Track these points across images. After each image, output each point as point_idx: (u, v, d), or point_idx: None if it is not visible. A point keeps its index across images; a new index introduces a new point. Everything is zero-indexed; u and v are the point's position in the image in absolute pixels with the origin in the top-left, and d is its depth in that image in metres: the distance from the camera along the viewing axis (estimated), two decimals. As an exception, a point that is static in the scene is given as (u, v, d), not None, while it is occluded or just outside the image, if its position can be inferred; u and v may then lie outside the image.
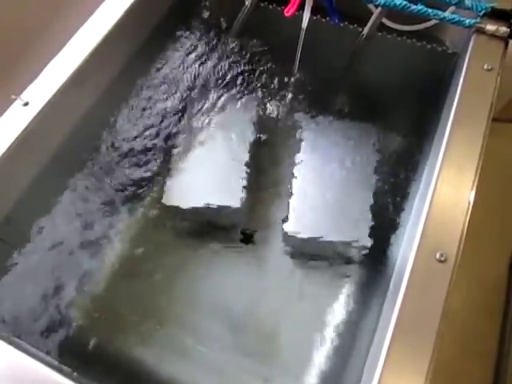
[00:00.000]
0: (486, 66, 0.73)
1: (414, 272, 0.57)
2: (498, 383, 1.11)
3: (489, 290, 1.21)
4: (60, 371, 0.54)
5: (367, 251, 0.78)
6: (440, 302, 0.55)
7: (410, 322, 0.54)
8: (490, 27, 0.76)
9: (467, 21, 0.77)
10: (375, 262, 0.78)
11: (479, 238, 0.80)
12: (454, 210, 0.61)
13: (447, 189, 0.63)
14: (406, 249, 0.63)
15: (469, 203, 0.61)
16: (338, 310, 0.78)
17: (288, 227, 0.79)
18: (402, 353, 0.53)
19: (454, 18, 0.76)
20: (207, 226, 0.85)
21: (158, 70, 0.98)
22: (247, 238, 0.85)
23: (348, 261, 0.80)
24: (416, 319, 0.54)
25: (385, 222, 0.80)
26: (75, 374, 0.59)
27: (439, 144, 0.68)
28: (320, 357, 0.74)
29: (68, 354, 0.72)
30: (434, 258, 0.57)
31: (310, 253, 0.82)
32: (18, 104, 0.74)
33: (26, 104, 0.74)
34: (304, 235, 0.78)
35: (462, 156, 0.65)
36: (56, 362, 0.60)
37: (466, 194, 0.62)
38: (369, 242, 0.77)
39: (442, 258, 0.57)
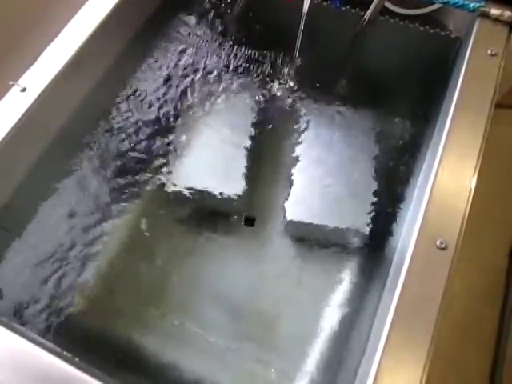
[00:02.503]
0: (489, 51, 0.72)
1: (413, 259, 0.57)
2: (496, 369, 1.12)
3: (488, 277, 1.21)
4: (61, 357, 0.54)
5: (367, 238, 0.78)
6: (440, 290, 0.55)
7: (409, 309, 0.54)
8: (495, 11, 0.75)
9: (471, 5, 0.75)
10: (375, 249, 0.78)
11: (480, 225, 0.79)
12: (454, 198, 0.61)
13: (448, 176, 0.63)
14: (406, 236, 0.63)
15: (470, 191, 0.61)
16: (338, 297, 0.77)
17: (289, 213, 0.79)
18: (401, 340, 0.53)
19: (457, 2, 0.75)
20: (208, 212, 0.85)
21: (157, 55, 0.97)
22: (249, 222, 0.84)
23: (348, 247, 0.80)
24: (415, 306, 0.54)
25: (385, 209, 0.80)
26: (76, 359, 0.59)
27: (441, 131, 0.67)
28: (320, 342, 0.74)
29: (69, 340, 0.72)
30: (435, 246, 0.57)
31: (310, 239, 0.82)
32: (15, 90, 0.74)
33: (24, 90, 0.74)
34: (305, 221, 0.78)
35: (464, 143, 0.65)
36: (58, 349, 0.60)
37: (468, 182, 0.62)
38: (369, 229, 0.77)
39: (443, 246, 0.57)
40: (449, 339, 1.09)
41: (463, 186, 0.61)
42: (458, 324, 1.13)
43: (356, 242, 0.80)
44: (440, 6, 0.88)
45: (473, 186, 0.61)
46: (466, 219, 0.59)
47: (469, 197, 0.60)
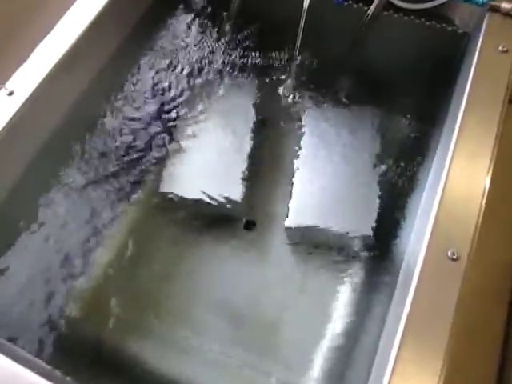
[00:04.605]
0: (500, 48, 0.69)
1: (424, 271, 0.54)
2: (503, 370, 1.09)
3: (496, 276, 1.19)
4: (51, 379, 0.51)
5: (372, 243, 0.76)
6: (452, 304, 0.52)
7: (420, 324, 0.51)
8: (506, 5, 0.72)
9: (480, -2, 0.72)
10: (380, 254, 0.76)
11: (488, 223, 0.76)
12: (466, 203, 0.58)
13: (459, 179, 0.60)
14: (415, 245, 0.60)
15: (483, 195, 0.58)
16: (342, 305, 0.76)
17: (289, 217, 0.77)
18: (412, 356, 0.50)
19: (466, -5, 0.72)
20: (207, 217, 0.83)
21: (152, 54, 0.94)
22: (249, 226, 0.83)
23: (352, 253, 0.78)
24: (427, 321, 0.51)
25: (391, 212, 0.78)
26: (68, 378, 0.56)
27: (450, 130, 0.65)
28: (323, 352, 0.72)
29: (61, 351, 0.70)
30: (446, 256, 0.54)
31: (312, 244, 0.80)
32: (2, 94, 0.71)
33: (11, 93, 0.71)
34: (306, 226, 0.77)
35: (476, 142, 0.62)
36: (47, 367, 0.57)
37: (480, 185, 0.59)
38: (373, 234, 0.75)
39: (454, 256, 0.54)
40: (453, 340, 1.07)
41: (475, 189, 0.58)
42: (464, 323, 1.10)
43: (360, 247, 0.78)
44: (445, 0, 0.84)
45: (486, 189, 0.58)
46: (479, 227, 0.55)
47: (482, 202, 0.57)
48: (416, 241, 0.61)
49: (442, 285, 0.53)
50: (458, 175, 0.60)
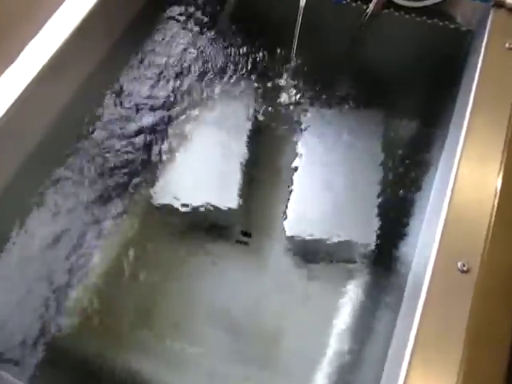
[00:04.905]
0: (507, 45, 0.67)
1: (432, 284, 0.50)
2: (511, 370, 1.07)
3: (503, 276, 1.17)
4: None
5: (375, 254, 0.74)
6: (464, 319, 0.48)
7: (430, 341, 0.48)
8: (511, 0, 0.70)
9: (485, -6, 0.70)
10: (384, 263, 0.73)
11: (496, 224, 0.74)
12: (476, 210, 0.54)
13: (468, 184, 0.56)
14: (422, 255, 0.57)
15: (493, 202, 0.54)
16: (344, 316, 0.73)
17: (288, 227, 0.76)
18: (424, 372, 0.47)
19: (470, -9, 0.70)
20: (202, 227, 0.81)
21: (144, 57, 0.92)
22: (245, 235, 0.81)
23: (354, 262, 0.76)
24: (437, 339, 0.48)
25: (395, 220, 0.75)
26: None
27: (457, 131, 0.62)
28: (326, 365, 0.70)
29: (53, 366, 0.69)
30: (456, 268, 0.51)
31: (312, 253, 0.78)
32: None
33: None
34: (305, 235, 0.75)
35: (484, 144, 0.59)
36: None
37: (490, 191, 0.56)
38: (377, 245, 0.73)
39: (465, 268, 0.51)
40: (467, 357, 1.05)
41: (486, 195, 0.55)
42: (471, 323, 1.09)
43: (362, 258, 0.75)
44: None
45: (497, 194, 0.55)
46: (490, 235, 0.52)
47: (493, 208, 0.54)
48: (423, 250, 0.58)
49: (453, 299, 0.50)
50: (466, 180, 0.56)
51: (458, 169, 0.57)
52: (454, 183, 0.56)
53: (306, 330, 0.73)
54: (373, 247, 0.74)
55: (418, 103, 0.89)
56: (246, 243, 0.80)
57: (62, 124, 0.78)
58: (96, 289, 0.75)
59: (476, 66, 0.66)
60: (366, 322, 0.71)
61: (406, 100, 0.89)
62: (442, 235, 0.53)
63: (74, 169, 0.81)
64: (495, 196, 0.55)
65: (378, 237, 0.73)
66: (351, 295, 0.74)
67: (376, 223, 0.74)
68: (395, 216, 0.76)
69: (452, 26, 0.83)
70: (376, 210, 0.75)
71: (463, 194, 0.56)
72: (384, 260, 0.73)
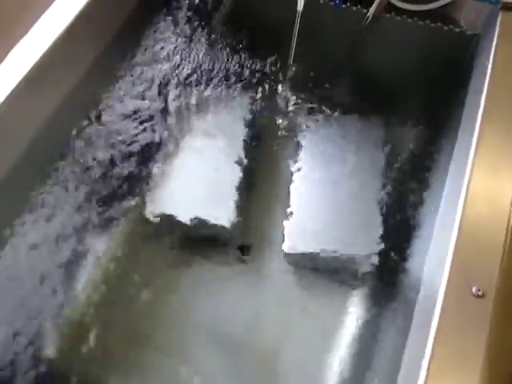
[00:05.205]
0: None
1: (445, 309, 0.47)
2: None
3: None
4: None
5: (379, 271, 0.71)
6: (480, 349, 0.45)
7: (445, 372, 0.44)
8: None
9: (493, -4, 0.70)
10: (388, 280, 0.71)
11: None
12: (490, 226, 0.51)
13: (481, 197, 0.53)
14: (432, 277, 0.54)
15: (510, 216, 0.51)
16: (346, 335, 0.71)
17: (287, 241, 0.74)
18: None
19: (477, -7, 0.69)
20: (198, 241, 0.79)
21: (135, 64, 0.90)
22: (244, 251, 0.80)
23: (356, 279, 0.74)
24: (452, 371, 0.44)
25: (400, 236, 0.73)
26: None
27: (467, 140, 0.59)
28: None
29: None
30: (470, 293, 0.47)
31: (312, 268, 0.76)
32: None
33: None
34: (305, 250, 0.73)
35: (497, 153, 0.56)
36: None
37: (506, 204, 0.52)
38: (381, 260, 0.70)
39: (480, 293, 0.47)
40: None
41: (501, 209, 0.52)
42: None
43: (364, 273, 0.73)
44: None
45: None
46: (505, 255, 0.48)
47: (508, 224, 0.51)
48: (432, 271, 0.55)
49: (468, 327, 0.46)
50: (479, 192, 0.53)
51: (469, 180, 0.54)
52: (466, 196, 0.53)
53: (304, 351, 0.71)
54: (376, 265, 0.71)
55: (422, 111, 0.87)
56: (243, 260, 0.78)
57: (50, 131, 0.77)
58: (86, 307, 0.73)
59: (485, 72, 0.64)
60: (370, 347, 0.68)
61: (410, 108, 0.87)
62: (453, 255, 0.50)
63: (61, 184, 0.79)
64: (511, 210, 0.52)
65: (382, 254, 0.70)
66: (352, 318, 0.72)
67: (380, 239, 0.72)
68: (400, 231, 0.73)
69: (457, 30, 0.81)
70: (379, 225, 0.73)
71: (476, 208, 0.53)
72: (389, 280, 0.71)
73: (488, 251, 0.49)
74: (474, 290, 0.47)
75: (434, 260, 0.56)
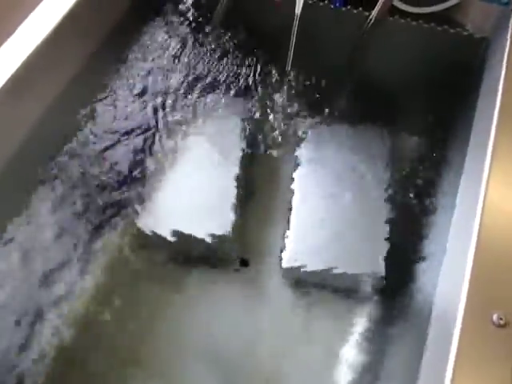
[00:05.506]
0: None
1: (463, 340, 0.43)
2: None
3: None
4: None
5: (384, 288, 0.69)
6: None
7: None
8: None
9: (504, -3, 0.69)
10: (396, 303, 0.69)
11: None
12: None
13: (500, 212, 0.50)
14: (445, 302, 0.50)
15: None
16: (349, 361, 0.68)
17: (287, 257, 0.72)
18: None
19: (488, -5, 0.69)
20: (194, 257, 0.77)
21: (125, 71, 0.89)
22: (242, 264, 0.78)
23: (359, 297, 0.72)
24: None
25: (407, 251, 0.72)
26: None
27: (479, 150, 0.57)
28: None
29: None
30: (490, 321, 0.43)
31: (314, 285, 0.74)
32: None
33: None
34: (305, 268, 0.71)
35: None
36: None
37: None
38: (385, 276, 0.68)
39: (501, 322, 0.43)
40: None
41: None
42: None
43: (368, 291, 0.72)
44: (458, 1, 0.80)
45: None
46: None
47: None
48: (445, 296, 0.51)
49: (489, 361, 0.42)
50: (498, 205, 0.50)
51: (485, 192, 0.50)
52: (483, 210, 0.49)
53: (304, 377, 0.69)
54: (382, 284, 0.70)
55: (429, 119, 0.86)
56: (241, 276, 0.76)
57: (37, 135, 0.75)
58: (77, 323, 0.71)
59: (498, 76, 0.62)
60: (375, 364, 0.67)
61: (416, 116, 0.87)
62: (470, 279, 0.46)
63: (50, 198, 0.76)
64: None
65: (388, 272, 0.69)
66: (353, 341, 0.70)
67: (385, 255, 0.70)
68: (408, 248, 0.72)
69: (464, 33, 0.80)
70: (385, 240, 0.71)
71: (495, 224, 0.49)
72: (396, 301, 0.69)
73: (509, 273, 0.46)
74: (494, 318, 0.43)
75: (449, 281, 0.52)
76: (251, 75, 0.90)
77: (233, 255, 0.78)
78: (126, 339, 0.71)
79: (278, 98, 0.89)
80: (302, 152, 0.82)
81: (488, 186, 0.51)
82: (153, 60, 0.90)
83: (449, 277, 0.53)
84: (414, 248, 0.71)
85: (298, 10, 0.76)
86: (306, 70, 0.88)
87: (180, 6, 0.94)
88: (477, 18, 0.82)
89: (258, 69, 0.91)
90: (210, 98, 0.88)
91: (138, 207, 0.78)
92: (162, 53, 0.91)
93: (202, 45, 0.92)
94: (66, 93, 0.78)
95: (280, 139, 0.87)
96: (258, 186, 0.84)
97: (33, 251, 0.74)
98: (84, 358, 0.69)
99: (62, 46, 0.76)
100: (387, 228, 0.72)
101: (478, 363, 0.42)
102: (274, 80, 0.90)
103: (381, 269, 0.69)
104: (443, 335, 0.45)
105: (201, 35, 0.93)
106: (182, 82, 0.89)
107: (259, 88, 0.89)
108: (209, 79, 0.89)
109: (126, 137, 0.83)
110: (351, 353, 0.68)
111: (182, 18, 0.94)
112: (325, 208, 0.76)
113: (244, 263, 0.78)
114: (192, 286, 0.75)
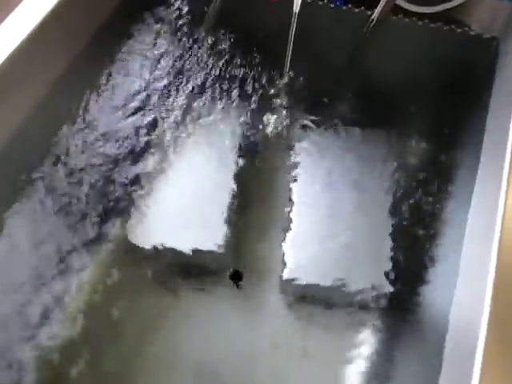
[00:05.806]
0: None
1: (487, 353, 0.39)
2: None
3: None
4: None
5: (389, 303, 0.67)
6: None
7: None
8: None
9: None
10: (404, 318, 0.67)
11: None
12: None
13: None
14: (463, 320, 0.47)
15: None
16: (352, 376, 0.66)
17: (286, 270, 0.71)
18: None
19: (498, -7, 0.70)
20: (185, 270, 0.76)
21: (114, 73, 0.88)
22: (235, 279, 0.76)
23: (364, 314, 0.70)
24: None
25: (414, 263, 0.69)
26: None
27: (496, 152, 0.55)
28: None
29: None
30: None
31: (313, 299, 0.73)
32: None
33: None
34: (304, 281, 0.71)
35: None
36: None
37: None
38: (390, 290, 0.67)
39: None
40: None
41: None
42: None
43: (375, 309, 0.70)
44: (464, 0, 0.80)
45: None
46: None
47: None
48: (463, 315, 0.48)
49: None
50: None
51: (505, 206, 0.48)
52: (503, 221, 0.47)
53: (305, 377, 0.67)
54: (387, 299, 0.67)
55: (436, 123, 0.84)
56: (236, 290, 0.74)
57: (18, 142, 0.73)
58: (66, 337, 0.68)
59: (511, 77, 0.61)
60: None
61: (422, 119, 0.85)
62: (492, 292, 0.42)
63: (37, 210, 0.75)
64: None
65: (395, 286, 0.67)
66: (362, 348, 0.67)
67: (391, 268, 0.68)
68: (415, 260, 0.70)
69: (472, 33, 0.79)
70: (390, 252, 0.70)
71: None
72: (404, 317, 0.66)
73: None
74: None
75: (466, 297, 0.49)
76: (247, 76, 0.90)
77: (226, 268, 0.75)
78: (112, 353, 0.69)
79: (276, 102, 0.88)
80: (301, 159, 0.80)
81: (508, 189, 0.49)
82: (142, 61, 0.89)
83: (465, 293, 0.50)
84: (422, 260, 0.69)
85: (296, 8, 0.75)
86: (305, 73, 0.87)
87: (171, 4, 0.93)
88: (484, 18, 0.82)
89: (256, 72, 0.90)
90: (202, 103, 0.86)
91: (127, 218, 0.77)
92: (151, 54, 0.90)
93: (194, 46, 0.91)
94: (50, 94, 0.76)
95: (277, 146, 0.86)
96: (254, 196, 0.83)
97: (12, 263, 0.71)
98: (67, 375, 0.66)
99: (47, 46, 0.74)
100: (392, 239, 0.70)
101: (505, 376, 0.39)
102: (271, 83, 0.89)
103: (385, 282, 0.68)
104: (464, 349, 0.42)
105: (193, 35, 0.92)
106: (172, 85, 0.88)
107: (255, 90, 0.89)
108: (202, 82, 0.89)
109: (113, 141, 0.82)
110: (352, 374, 0.65)
111: (173, 16, 0.93)
112: (325, 218, 0.75)
113: (237, 277, 0.76)
114: (184, 301, 0.74)
